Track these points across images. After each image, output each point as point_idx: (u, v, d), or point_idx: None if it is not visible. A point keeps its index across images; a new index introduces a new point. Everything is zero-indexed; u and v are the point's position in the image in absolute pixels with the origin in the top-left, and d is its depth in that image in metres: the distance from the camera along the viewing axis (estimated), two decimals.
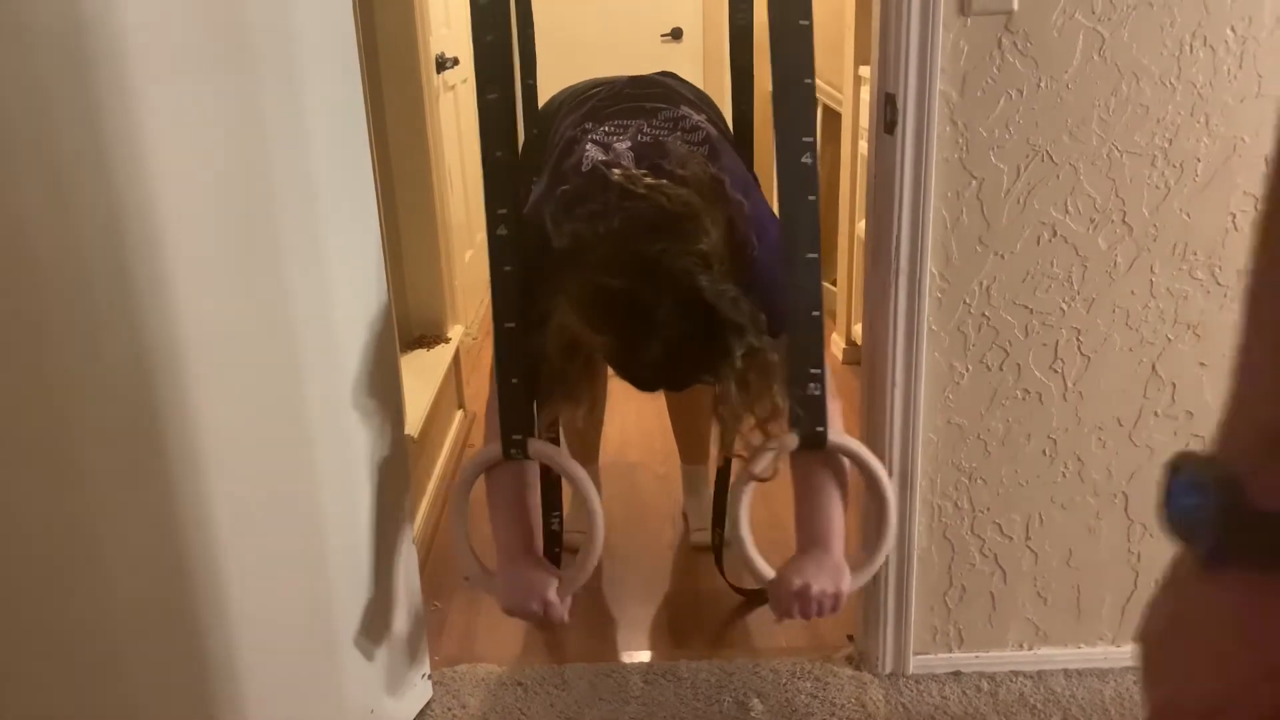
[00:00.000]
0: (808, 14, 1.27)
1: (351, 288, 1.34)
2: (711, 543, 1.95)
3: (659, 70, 1.80)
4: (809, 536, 1.39)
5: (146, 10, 1.00)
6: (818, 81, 3.44)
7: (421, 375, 2.31)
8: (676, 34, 4.35)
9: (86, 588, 1.16)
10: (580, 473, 1.41)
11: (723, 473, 1.90)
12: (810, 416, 1.34)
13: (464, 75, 3.28)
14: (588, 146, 1.41)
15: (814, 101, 1.31)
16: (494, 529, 1.44)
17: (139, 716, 1.21)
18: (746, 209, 1.31)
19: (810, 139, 1.29)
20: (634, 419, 2.51)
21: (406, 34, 2.44)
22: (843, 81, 2.81)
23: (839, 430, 1.38)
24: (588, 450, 2.08)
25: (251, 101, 1.12)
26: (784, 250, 1.32)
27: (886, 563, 1.57)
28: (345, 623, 1.41)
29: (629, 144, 1.39)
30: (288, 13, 1.14)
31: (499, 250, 1.34)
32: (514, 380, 1.35)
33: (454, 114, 3.16)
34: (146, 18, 1.00)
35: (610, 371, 1.38)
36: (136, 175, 1.02)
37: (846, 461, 1.41)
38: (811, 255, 1.31)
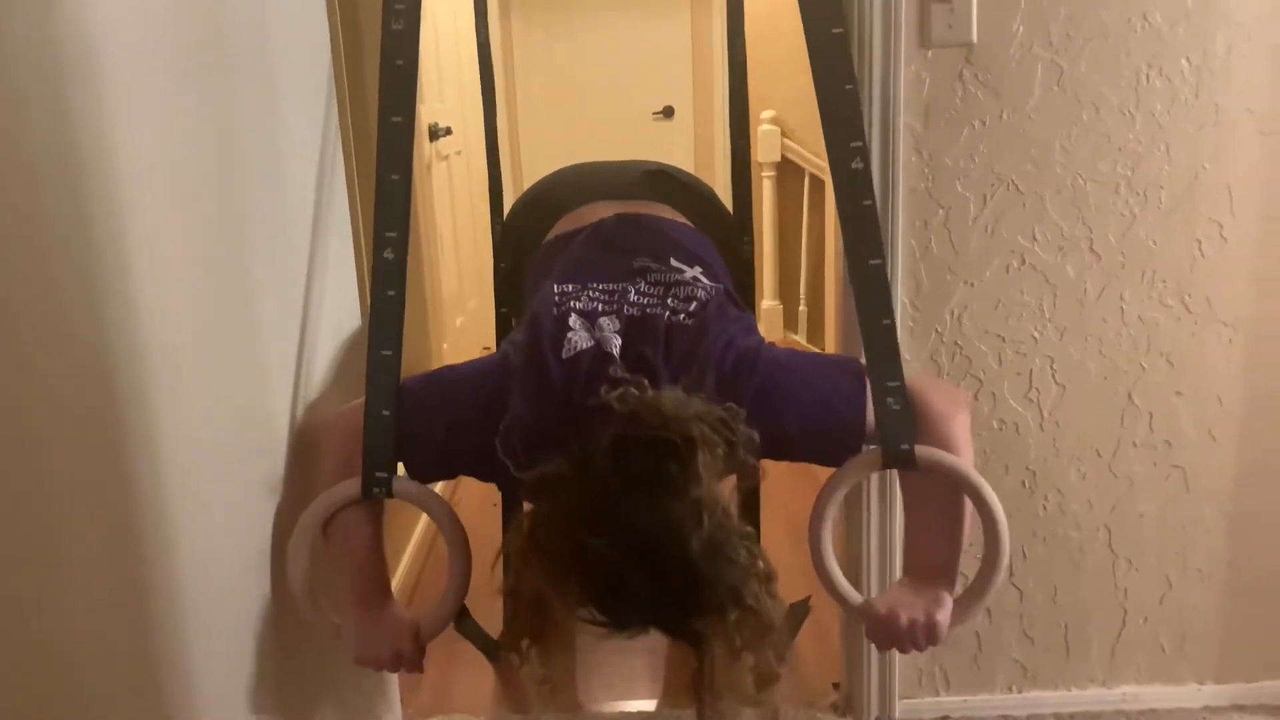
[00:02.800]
0: (840, 21, 1.24)
1: (322, 304, 1.35)
2: None
3: (651, 163, 1.69)
4: (912, 563, 1.27)
5: (124, 10, 1.03)
6: (792, 144, 3.53)
7: None
8: (668, 112, 4.46)
9: (43, 589, 1.13)
10: (453, 519, 1.28)
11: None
12: (893, 434, 1.20)
13: (458, 146, 3.36)
14: (570, 320, 1.26)
15: (859, 106, 1.26)
16: (340, 575, 1.30)
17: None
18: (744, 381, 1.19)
19: (859, 144, 1.24)
20: None
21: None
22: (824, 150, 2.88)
23: (945, 446, 1.22)
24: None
25: (229, 110, 1.15)
26: (848, 260, 1.25)
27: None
28: (314, 660, 1.37)
29: (616, 323, 1.25)
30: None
31: (384, 274, 1.27)
32: (385, 413, 1.24)
33: (447, 183, 3.23)
34: (124, 16, 1.03)
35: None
36: (105, 172, 1.04)
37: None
38: (875, 262, 1.23)
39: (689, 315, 1.24)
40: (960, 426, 1.23)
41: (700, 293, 1.27)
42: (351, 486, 1.24)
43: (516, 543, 1.12)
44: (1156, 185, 1.42)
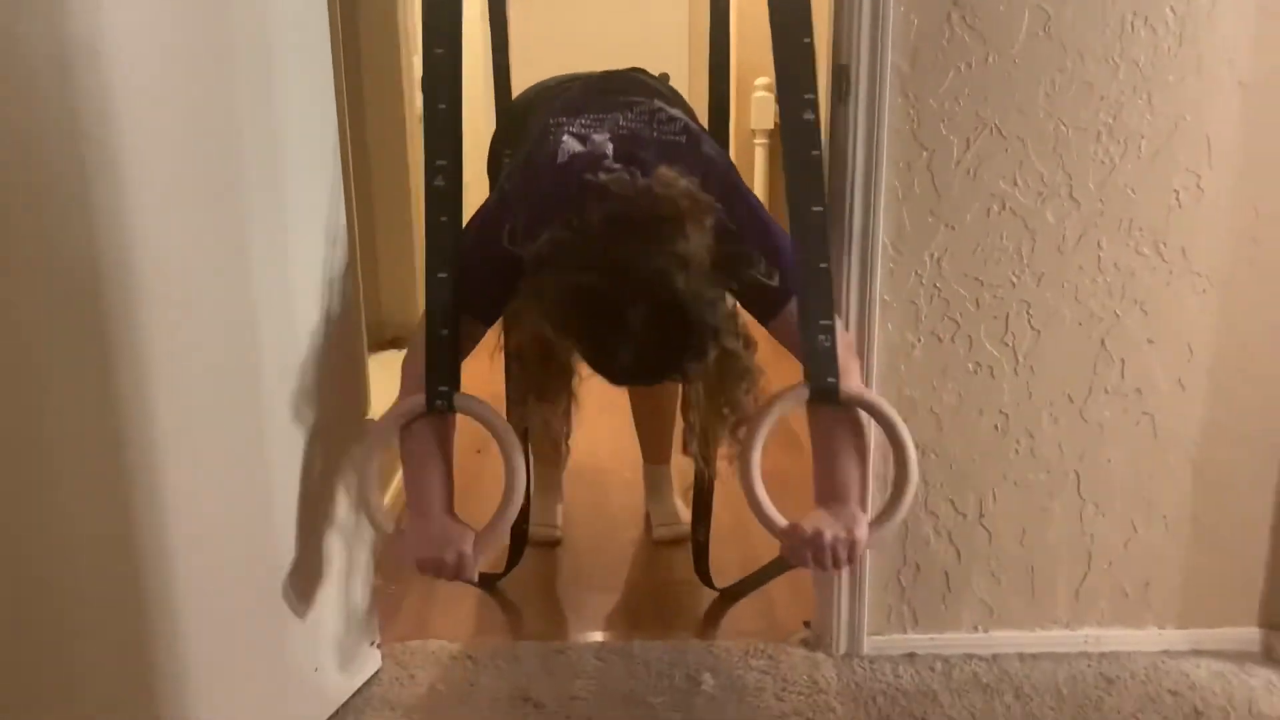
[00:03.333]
0: None
1: (310, 239, 1.36)
2: (693, 538, 1.90)
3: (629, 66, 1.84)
4: (825, 491, 1.36)
5: None
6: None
7: (390, 372, 2.31)
8: (664, 79, 4.45)
9: (28, 521, 1.15)
10: (504, 426, 1.37)
11: (701, 475, 1.87)
12: (822, 369, 1.32)
13: None
14: (564, 138, 1.40)
15: (813, 60, 1.32)
16: (408, 483, 1.40)
17: (75, 666, 1.19)
18: (740, 204, 1.35)
19: (811, 95, 1.31)
20: (605, 430, 2.51)
21: (389, 50, 2.51)
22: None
23: (855, 383, 1.36)
24: (554, 455, 2.06)
25: (221, 36, 1.16)
26: (791, 206, 1.32)
27: None
28: (291, 581, 1.39)
29: (607, 136, 1.39)
30: None
31: (435, 201, 1.34)
32: (444, 332, 1.34)
33: None
34: None
35: (583, 374, 1.40)
36: (99, 87, 1.05)
37: (865, 417, 1.39)
38: (817, 209, 1.32)
39: (675, 135, 1.39)
40: (856, 368, 1.41)
41: (682, 123, 1.43)
42: (417, 401, 1.35)
43: (521, 302, 1.27)
44: (1137, 134, 1.44)
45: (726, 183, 1.37)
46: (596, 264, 1.20)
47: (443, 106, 1.33)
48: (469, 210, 1.41)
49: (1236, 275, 1.49)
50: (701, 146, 1.41)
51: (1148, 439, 1.56)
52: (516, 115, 1.78)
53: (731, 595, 1.83)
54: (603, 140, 1.37)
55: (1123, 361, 1.52)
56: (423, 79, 1.35)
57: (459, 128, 1.36)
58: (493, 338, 1.48)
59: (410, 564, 1.36)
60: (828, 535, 1.31)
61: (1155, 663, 1.61)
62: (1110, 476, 1.57)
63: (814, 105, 1.31)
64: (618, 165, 1.30)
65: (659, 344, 1.20)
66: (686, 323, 1.19)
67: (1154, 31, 1.41)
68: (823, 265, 1.32)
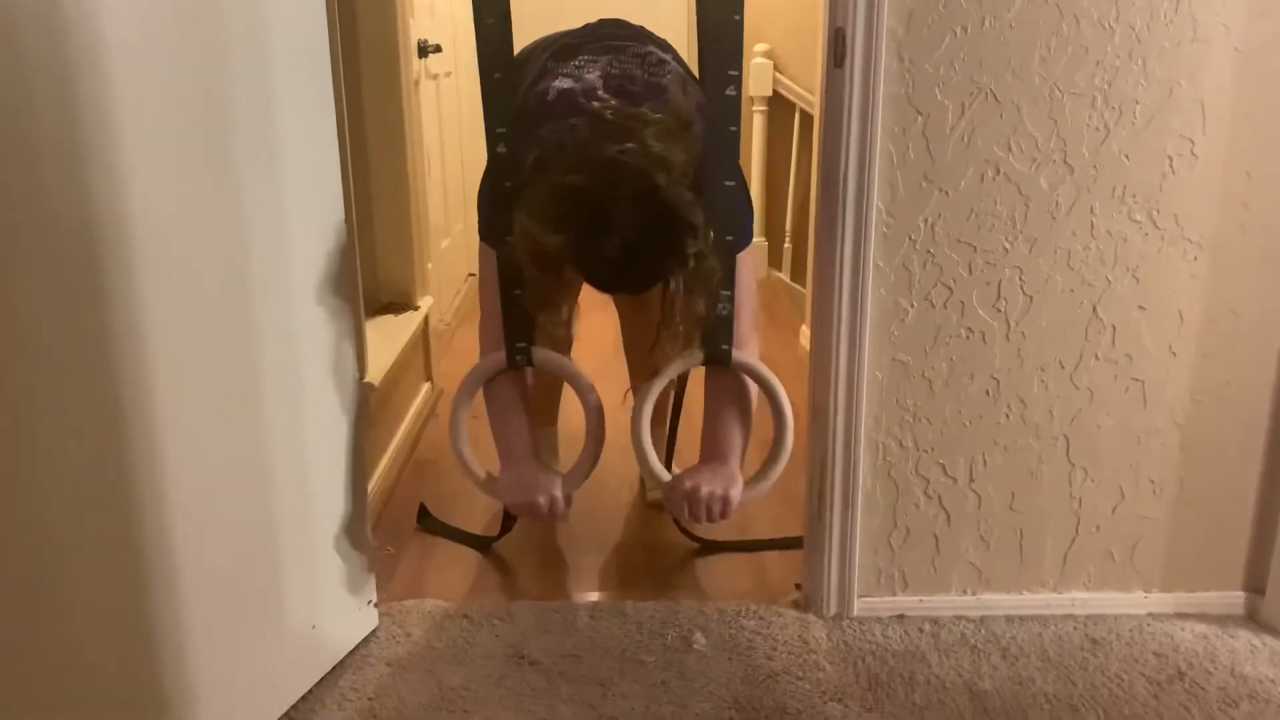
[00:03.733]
0: None
1: (306, 195, 1.36)
2: (668, 439, 1.94)
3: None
4: (709, 449, 1.50)
5: None
6: (796, 87, 3.53)
7: (388, 336, 2.33)
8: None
9: (23, 483, 1.16)
10: (580, 374, 1.51)
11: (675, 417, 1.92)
12: (718, 336, 1.45)
13: (448, 67, 3.34)
14: (556, 80, 1.48)
15: (741, 37, 1.42)
16: (496, 434, 1.53)
17: (74, 624, 1.20)
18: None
19: (736, 72, 1.41)
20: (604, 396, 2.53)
21: (386, 17, 2.49)
22: (816, 86, 2.89)
23: (748, 353, 1.48)
24: (548, 412, 2.10)
25: (218, 14, 1.16)
26: (703, 179, 1.37)
27: (832, 501, 1.59)
28: (289, 538, 1.41)
29: (598, 74, 1.47)
30: None
31: (498, 168, 1.44)
32: (517, 292, 1.44)
33: (435, 102, 3.21)
34: None
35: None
36: (91, 47, 1.05)
37: (754, 386, 1.53)
38: (729, 183, 1.43)
39: (663, 76, 1.48)
40: (748, 325, 1.51)
41: (671, 66, 1.52)
42: (498, 358, 1.49)
43: (514, 214, 1.34)
44: (1132, 100, 1.44)
45: (710, 117, 1.44)
46: (583, 166, 1.28)
47: (498, 76, 1.43)
48: None
49: (1227, 242, 1.50)
50: (688, 89, 1.48)
51: (1137, 405, 1.57)
52: (516, 66, 1.80)
53: (713, 548, 1.88)
54: (594, 78, 1.45)
55: (1114, 328, 1.54)
56: (478, 49, 1.42)
57: (514, 96, 1.46)
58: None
59: (510, 506, 1.53)
60: (704, 491, 1.45)
61: (1140, 625, 1.63)
62: (1099, 442, 1.59)
63: (738, 82, 1.41)
64: (607, 96, 1.39)
65: (644, 238, 1.28)
66: (669, 217, 1.28)
67: None
68: (728, 238, 1.43)
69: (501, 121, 1.44)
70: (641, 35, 1.66)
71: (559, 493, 1.49)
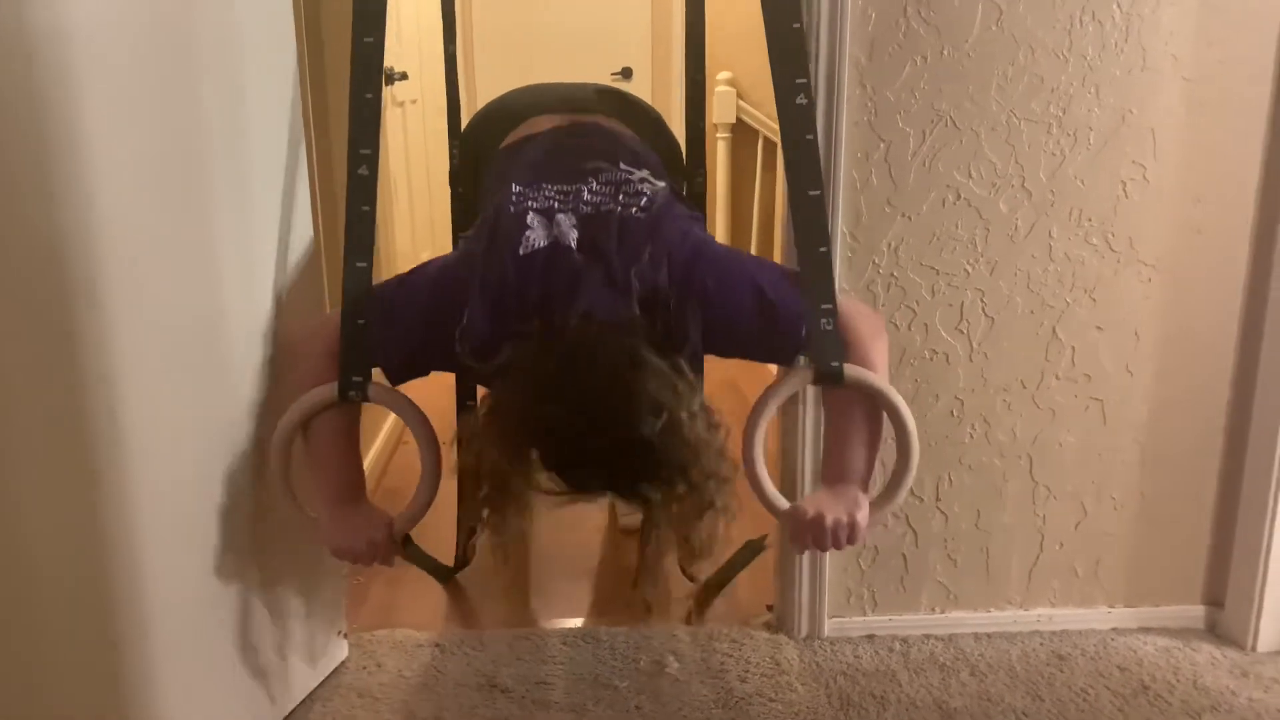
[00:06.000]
0: None
1: (275, 222, 1.37)
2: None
3: (596, 85, 1.79)
4: (830, 471, 1.36)
5: None
6: (758, 114, 3.58)
7: None
8: (626, 73, 4.47)
9: None
10: (418, 416, 1.36)
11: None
12: (825, 352, 1.30)
13: (413, 94, 3.35)
14: (528, 218, 1.31)
15: (805, 45, 1.35)
16: (318, 473, 1.38)
17: (40, 655, 1.18)
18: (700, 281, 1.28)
19: (804, 80, 1.32)
20: None
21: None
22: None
23: (867, 366, 1.32)
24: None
25: (187, 32, 1.17)
26: (789, 190, 1.33)
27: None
28: (258, 571, 1.40)
29: (572, 219, 1.31)
30: None
31: (359, 190, 1.33)
32: (359, 321, 1.31)
33: (402, 132, 3.22)
34: None
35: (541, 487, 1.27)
36: (60, 64, 1.05)
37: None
38: (814, 192, 1.32)
39: (640, 209, 1.31)
40: (880, 350, 1.34)
41: (648, 189, 1.36)
42: (329, 390, 1.31)
43: (476, 423, 1.22)
44: (1086, 126, 1.49)
45: (694, 258, 1.29)
46: (559, 396, 1.14)
47: (369, 96, 1.33)
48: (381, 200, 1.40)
49: (1180, 263, 1.55)
50: (663, 223, 1.32)
51: (1097, 423, 1.60)
52: (482, 138, 1.71)
53: (715, 586, 1.83)
54: (567, 226, 1.29)
55: (1073, 348, 1.57)
56: (351, 68, 1.32)
57: (380, 117, 1.35)
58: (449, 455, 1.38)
59: (332, 551, 1.35)
60: (829, 519, 1.30)
61: (1105, 640, 1.66)
62: (1062, 460, 1.62)
63: (807, 90, 1.31)
64: (579, 258, 1.25)
65: (625, 477, 1.18)
66: (652, 459, 1.15)
67: (1101, 26, 1.45)
68: (822, 249, 1.31)
69: (367, 143, 1.33)
70: (613, 150, 1.49)
71: (382, 535, 1.34)
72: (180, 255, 1.22)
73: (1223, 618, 1.67)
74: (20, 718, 1.19)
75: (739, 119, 3.61)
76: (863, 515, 1.30)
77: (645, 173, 1.41)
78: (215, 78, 1.22)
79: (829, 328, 1.31)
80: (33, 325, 1.10)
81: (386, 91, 2.90)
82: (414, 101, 3.37)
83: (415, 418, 1.35)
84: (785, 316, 1.29)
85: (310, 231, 1.45)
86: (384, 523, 1.35)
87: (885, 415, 1.34)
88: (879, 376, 1.33)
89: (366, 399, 1.33)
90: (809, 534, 1.31)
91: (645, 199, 1.34)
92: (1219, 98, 1.49)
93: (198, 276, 1.24)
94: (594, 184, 1.36)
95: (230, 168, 1.27)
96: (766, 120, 3.44)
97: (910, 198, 1.50)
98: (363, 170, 1.34)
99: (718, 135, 3.63)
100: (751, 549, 1.79)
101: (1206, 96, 1.48)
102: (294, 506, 1.37)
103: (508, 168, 1.46)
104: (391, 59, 2.97)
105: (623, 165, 1.41)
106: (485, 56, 4.31)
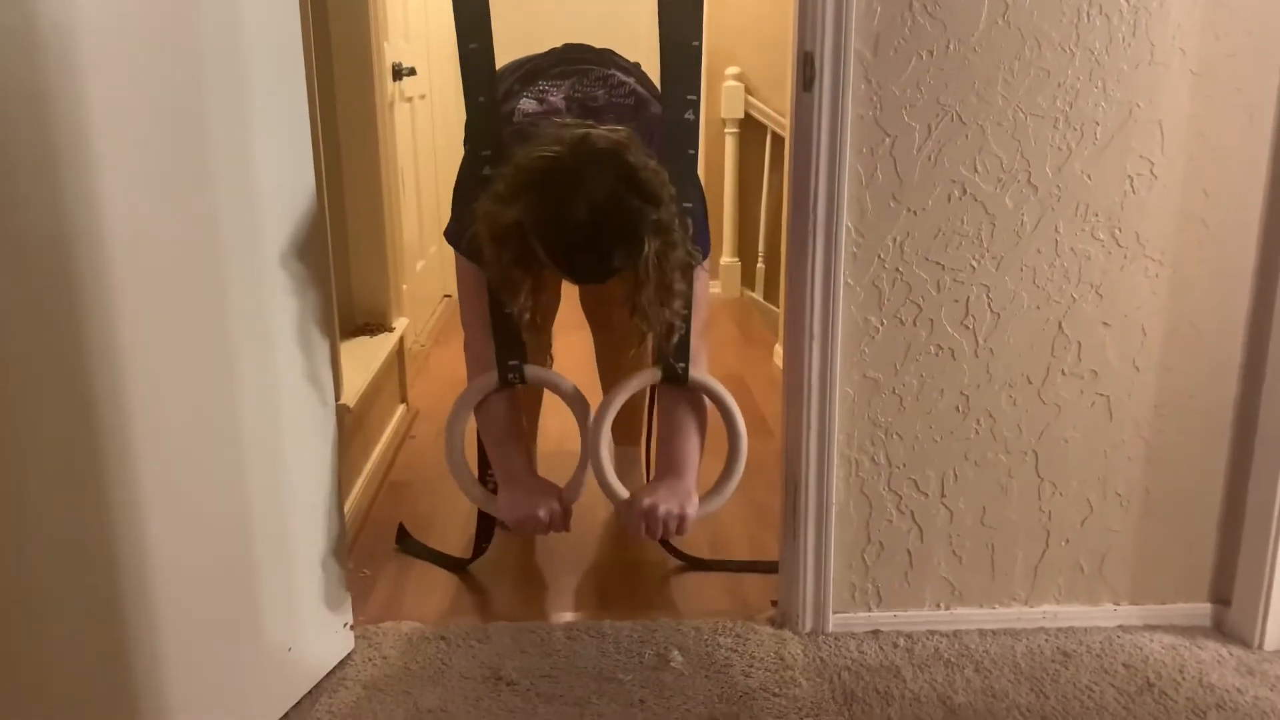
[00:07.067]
0: None
1: (283, 218, 1.37)
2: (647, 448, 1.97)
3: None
4: (664, 465, 1.54)
5: None
6: (756, 101, 3.58)
7: (363, 358, 2.33)
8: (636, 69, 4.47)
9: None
10: (568, 384, 1.56)
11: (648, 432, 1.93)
12: (675, 355, 1.50)
13: (422, 90, 3.35)
14: (520, 101, 1.53)
15: (700, 62, 1.48)
16: (493, 454, 1.56)
17: (49, 646, 1.19)
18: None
19: (694, 97, 1.46)
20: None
21: (360, 40, 2.50)
22: (786, 108, 2.93)
23: (702, 370, 1.51)
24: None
25: (192, 30, 1.17)
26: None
27: (806, 517, 1.61)
28: (265, 562, 1.41)
29: (562, 96, 1.51)
30: None
31: (483, 191, 1.44)
32: (506, 311, 1.47)
33: (409, 124, 3.22)
34: None
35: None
36: (67, 60, 1.06)
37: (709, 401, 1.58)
38: (687, 205, 1.46)
39: (625, 97, 1.53)
40: (703, 343, 1.57)
41: (631, 87, 1.56)
42: (490, 379, 1.51)
43: (488, 194, 1.39)
44: (1092, 121, 1.48)
45: (669, 140, 1.48)
46: (551, 139, 1.33)
47: (482, 99, 1.47)
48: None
49: (1187, 258, 1.54)
50: (649, 108, 1.53)
51: (1103, 419, 1.60)
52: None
53: (697, 564, 1.89)
54: (558, 100, 1.50)
55: (1079, 344, 1.57)
56: (462, 74, 1.46)
57: (499, 118, 1.48)
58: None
59: (512, 523, 1.55)
60: (661, 510, 1.48)
61: (1111, 637, 1.65)
62: (1067, 456, 1.61)
63: (696, 106, 1.46)
64: (570, 119, 1.42)
65: (611, 204, 1.31)
66: (641, 189, 1.32)
67: (1108, 20, 1.44)
68: (693, 265, 1.47)
69: (487, 144, 1.47)
70: (604, 58, 1.70)
71: (558, 505, 1.53)
72: (185, 251, 1.22)
73: (1229, 615, 1.66)
74: (29, 707, 1.20)
75: (747, 114, 3.60)
76: (691, 507, 1.50)
77: (633, 80, 1.60)
78: (220, 73, 1.23)
79: (682, 333, 1.50)
80: (39, 320, 1.10)
81: (394, 87, 2.90)
82: (423, 97, 3.37)
83: (570, 392, 1.53)
84: (699, 229, 1.52)
85: (317, 228, 1.45)
86: (556, 493, 1.54)
87: (719, 412, 1.55)
88: (716, 381, 1.54)
89: (524, 381, 1.51)
90: (641, 521, 1.50)
91: (629, 89, 1.54)
92: (1227, 91, 1.48)
93: (203, 272, 1.25)
94: (585, 79, 1.55)
95: (236, 163, 1.27)
96: (775, 115, 3.44)
97: (915, 193, 1.50)
98: (486, 171, 1.47)
99: (726, 130, 3.63)
100: (759, 565, 1.83)
101: (1215, 90, 1.47)
102: (473, 483, 1.56)
103: (507, 78, 1.64)
104: (399, 54, 2.98)
105: (612, 69, 1.60)
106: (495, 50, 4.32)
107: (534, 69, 1.63)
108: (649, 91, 1.64)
